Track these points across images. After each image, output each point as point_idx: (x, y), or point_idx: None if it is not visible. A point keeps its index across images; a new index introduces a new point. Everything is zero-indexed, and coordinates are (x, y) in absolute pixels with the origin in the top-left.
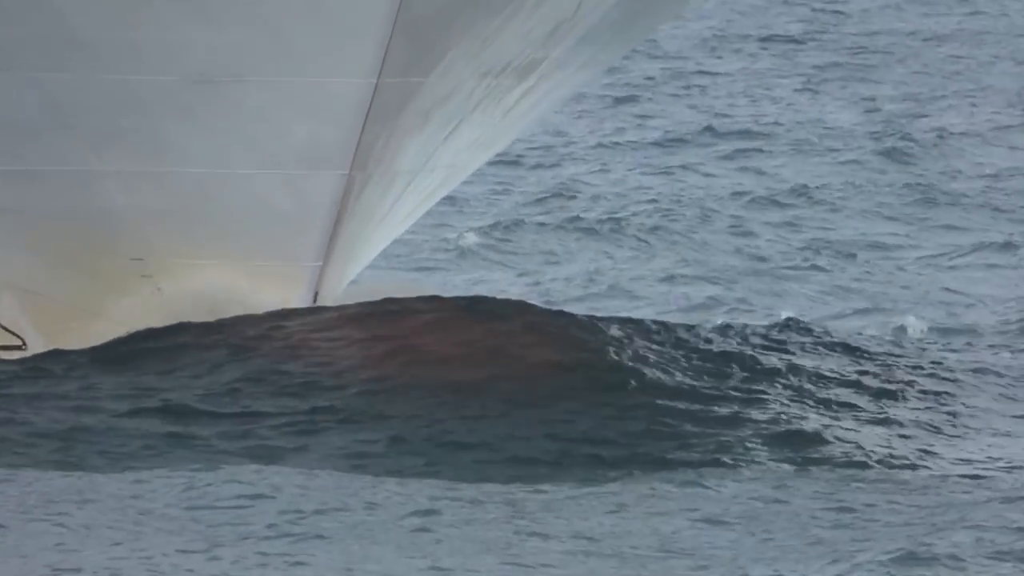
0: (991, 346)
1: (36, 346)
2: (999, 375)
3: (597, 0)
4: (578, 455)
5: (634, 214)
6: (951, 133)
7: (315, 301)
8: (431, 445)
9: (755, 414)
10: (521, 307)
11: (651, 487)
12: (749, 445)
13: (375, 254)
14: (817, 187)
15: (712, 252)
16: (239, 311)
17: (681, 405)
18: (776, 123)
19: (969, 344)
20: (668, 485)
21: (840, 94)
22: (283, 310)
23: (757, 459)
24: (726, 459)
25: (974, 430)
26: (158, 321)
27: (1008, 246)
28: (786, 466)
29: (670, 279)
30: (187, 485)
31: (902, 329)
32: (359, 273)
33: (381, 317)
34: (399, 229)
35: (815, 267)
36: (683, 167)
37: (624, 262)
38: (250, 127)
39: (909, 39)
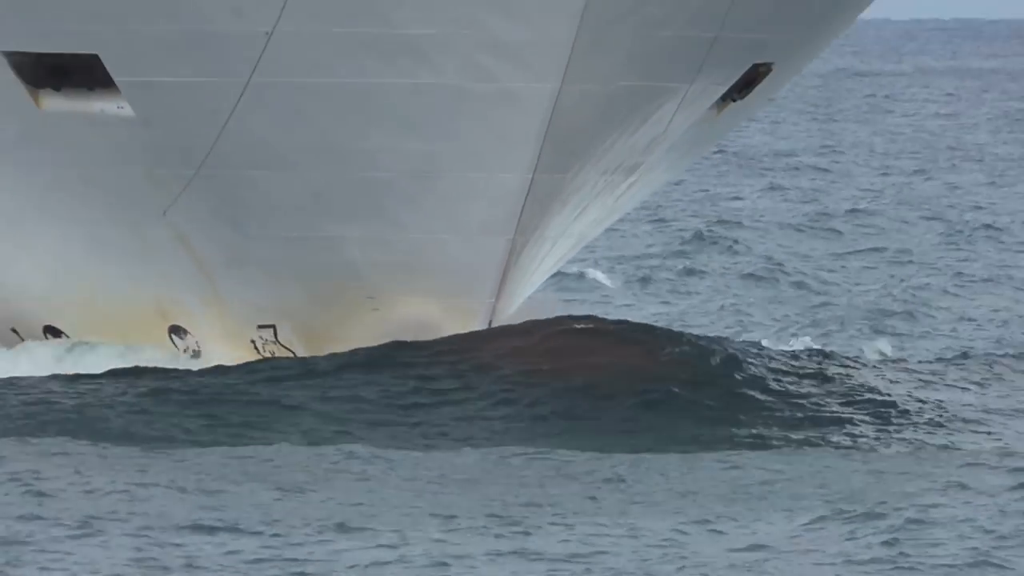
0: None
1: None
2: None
3: (678, 125)
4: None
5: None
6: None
7: (490, 326)
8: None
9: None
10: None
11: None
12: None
13: (530, 292)
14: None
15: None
16: (437, 334)
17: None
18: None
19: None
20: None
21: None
22: (469, 333)
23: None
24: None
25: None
26: (380, 341)
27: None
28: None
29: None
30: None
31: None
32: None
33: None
34: (546, 275)
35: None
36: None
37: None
38: (448, 206)
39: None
